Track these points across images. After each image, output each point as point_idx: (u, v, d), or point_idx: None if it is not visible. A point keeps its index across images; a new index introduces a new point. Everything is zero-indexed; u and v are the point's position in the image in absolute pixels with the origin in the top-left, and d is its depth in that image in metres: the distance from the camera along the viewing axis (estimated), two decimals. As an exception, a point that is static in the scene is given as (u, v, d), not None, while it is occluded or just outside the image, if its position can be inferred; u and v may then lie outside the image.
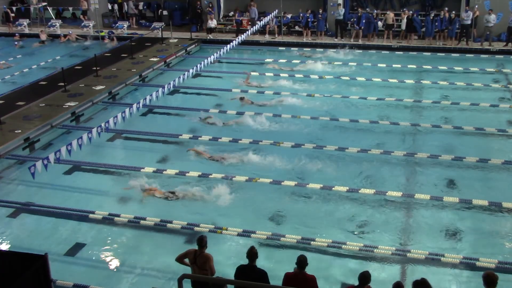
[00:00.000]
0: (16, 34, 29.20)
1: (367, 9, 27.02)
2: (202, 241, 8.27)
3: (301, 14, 27.15)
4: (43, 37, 28.66)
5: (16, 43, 27.97)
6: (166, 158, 14.45)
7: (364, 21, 25.69)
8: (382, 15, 26.16)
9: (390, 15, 25.46)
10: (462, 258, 9.92)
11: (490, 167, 13.45)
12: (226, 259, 9.98)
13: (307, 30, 26.79)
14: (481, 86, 19.62)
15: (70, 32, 28.92)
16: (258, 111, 17.31)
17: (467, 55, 23.81)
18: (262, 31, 27.32)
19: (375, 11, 26.50)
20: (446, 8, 25.04)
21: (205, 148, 14.61)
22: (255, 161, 13.83)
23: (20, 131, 15.36)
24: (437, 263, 9.84)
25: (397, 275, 9.64)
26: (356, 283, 7.56)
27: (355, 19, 26.10)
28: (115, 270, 10.05)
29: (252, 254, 7.91)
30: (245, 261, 8.08)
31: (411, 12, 25.42)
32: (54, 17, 31.40)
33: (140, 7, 30.73)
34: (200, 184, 12.73)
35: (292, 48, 25.78)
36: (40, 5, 31.17)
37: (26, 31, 29.85)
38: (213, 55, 18.40)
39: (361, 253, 10.19)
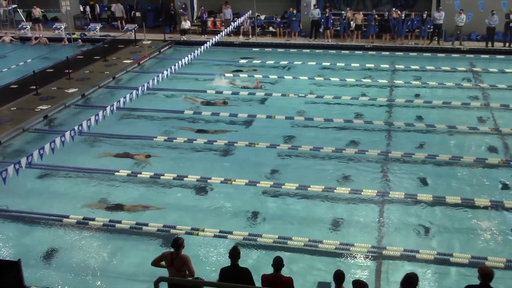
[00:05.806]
0: None
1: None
2: (177, 243, 8.18)
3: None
4: (7, 39, 28.14)
5: None
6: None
7: (331, 21, 25.94)
8: (353, 16, 26.37)
9: (360, 15, 25.73)
10: (436, 254, 10.07)
11: (462, 165, 13.71)
12: (202, 261, 9.96)
13: (286, 30, 27.01)
14: (453, 84, 19.96)
15: (41, 35, 28.35)
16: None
17: (439, 54, 24.21)
18: (236, 32, 27.33)
19: (344, 12, 26.66)
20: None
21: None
22: None
23: (-10, 135, 15.08)
24: (412, 259, 9.97)
25: (373, 272, 9.74)
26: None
27: (323, 20, 26.27)
28: (90, 274, 9.90)
29: (234, 253, 7.85)
30: (223, 261, 8.02)
31: (387, 12, 25.70)
32: (24, 19, 30.83)
33: (113, 8, 30.31)
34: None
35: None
36: (10, 7, 30.61)
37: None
38: (187, 56, 18.33)
39: (337, 251, 10.26)
